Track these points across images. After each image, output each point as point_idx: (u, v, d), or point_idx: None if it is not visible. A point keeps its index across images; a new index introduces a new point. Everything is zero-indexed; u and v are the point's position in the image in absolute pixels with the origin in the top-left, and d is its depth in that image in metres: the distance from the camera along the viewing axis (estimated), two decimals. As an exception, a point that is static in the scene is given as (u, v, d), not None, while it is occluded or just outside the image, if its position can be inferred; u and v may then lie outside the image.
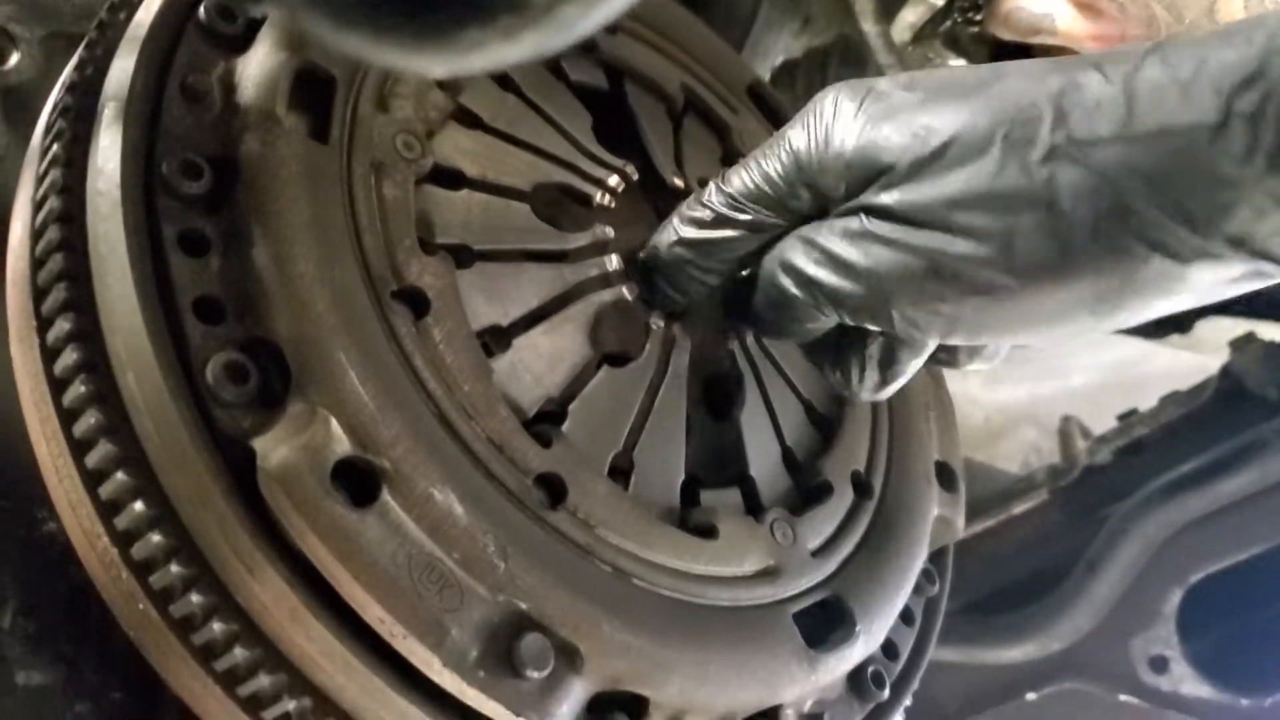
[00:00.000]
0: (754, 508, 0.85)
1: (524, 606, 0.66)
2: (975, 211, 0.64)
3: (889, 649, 0.92)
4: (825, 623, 0.83)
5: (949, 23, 1.32)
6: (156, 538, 0.62)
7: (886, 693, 0.88)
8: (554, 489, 0.72)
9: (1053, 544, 1.73)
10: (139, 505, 0.62)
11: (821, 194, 0.72)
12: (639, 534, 0.75)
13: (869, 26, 1.34)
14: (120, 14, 0.75)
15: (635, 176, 0.90)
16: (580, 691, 0.67)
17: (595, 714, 0.69)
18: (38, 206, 0.69)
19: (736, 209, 0.76)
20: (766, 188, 0.74)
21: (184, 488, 0.62)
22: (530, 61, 0.43)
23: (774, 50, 1.60)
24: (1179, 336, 1.69)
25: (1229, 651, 1.58)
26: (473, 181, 0.81)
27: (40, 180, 0.70)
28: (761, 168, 0.75)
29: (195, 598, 0.62)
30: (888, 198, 0.68)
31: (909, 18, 1.30)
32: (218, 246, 0.67)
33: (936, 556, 1.02)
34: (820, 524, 0.87)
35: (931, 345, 0.78)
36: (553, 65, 0.93)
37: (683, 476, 0.82)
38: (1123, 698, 1.58)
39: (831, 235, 0.71)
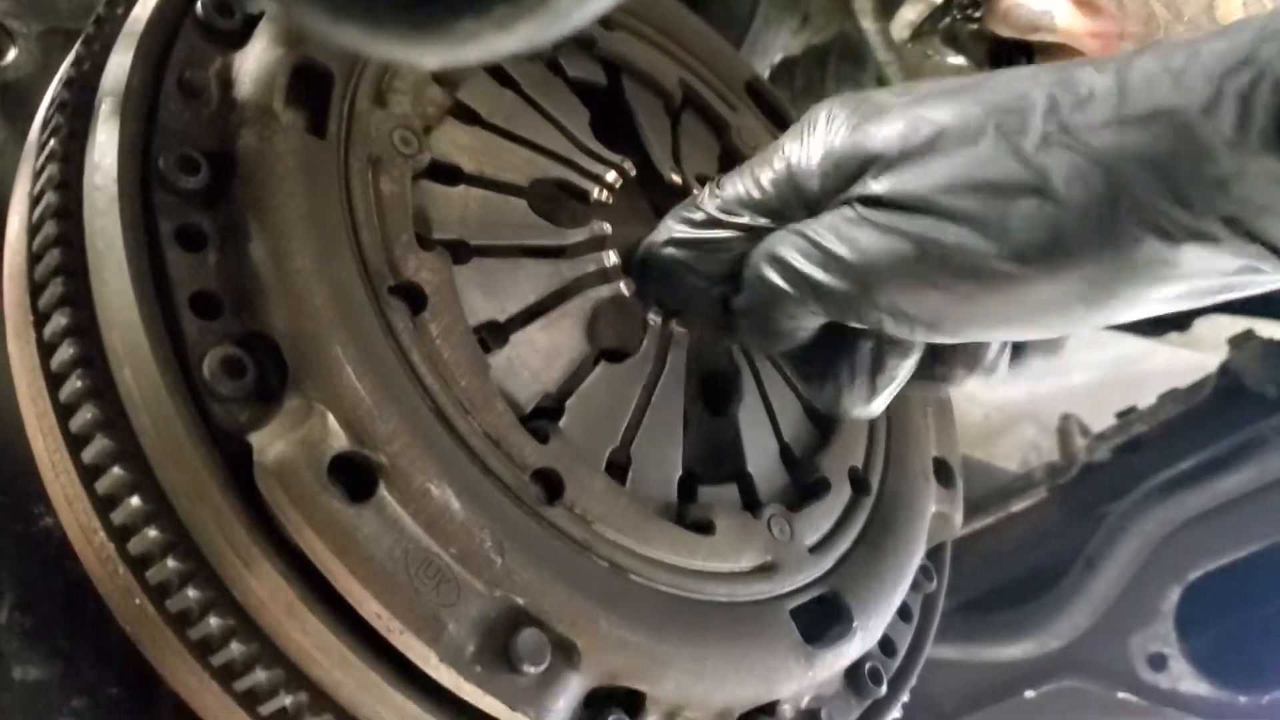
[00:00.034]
0: (751, 504, 0.85)
1: (521, 601, 0.66)
2: (967, 197, 0.65)
3: (886, 645, 0.92)
4: (822, 619, 0.82)
5: (948, 20, 1.32)
6: (153, 532, 0.62)
7: (884, 689, 0.88)
8: (551, 484, 0.72)
9: (1051, 541, 1.73)
10: (135, 500, 0.62)
11: (814, 199, 0.73)
12: (636, 529, 0.75)
13: (868, 24, 1.34)
14: (118, 9, 0.75)
15: (633, 173, 0.90)
16: (577, 686, 0.67)
17: (592, 709, 0.69)
18: (35, 201, 0.69)
19: (729, 213, 0.77)
20: (759, 194, 0.75)
21: (181, 482, 0.62)
22: (525, 53, 0.43)
23: (773, 48, 1.60)
24: (1178, 334, 1.69)
25: (1227, 649, 1.57)
26: (470, 177, 0.81)
27: (37, 175, 0.70)
28: (755, 175, 0.76)
29: (192, 592, 0.62)
30: (878, 186, 0.68)
31: (908, 15, 1.30)
32: (215, 241, 0.67)
33: (934, 553, 1.02)
34: (818, 520, 0.87)
35: (919, 349, 0.77)
36: (551, 61, 0.93)
37: (680, 472, 0.82)
38: (1121, 695, 1.57)
39: (820, 228, 0.71)
